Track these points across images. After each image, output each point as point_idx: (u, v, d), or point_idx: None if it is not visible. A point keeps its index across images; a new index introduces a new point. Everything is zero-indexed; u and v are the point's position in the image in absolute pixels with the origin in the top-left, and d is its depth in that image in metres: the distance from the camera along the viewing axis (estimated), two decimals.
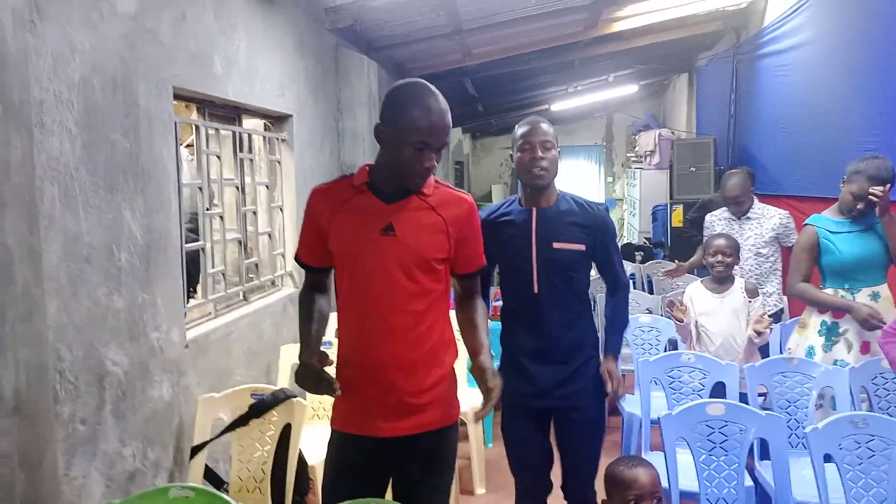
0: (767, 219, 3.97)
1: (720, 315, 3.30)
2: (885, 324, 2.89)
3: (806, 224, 3.18)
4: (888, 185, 2.95)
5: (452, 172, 10.93)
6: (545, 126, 2.32)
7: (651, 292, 5.66)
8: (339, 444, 1.95)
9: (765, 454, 2.72)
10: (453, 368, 2.00)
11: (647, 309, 4.73)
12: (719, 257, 3.33)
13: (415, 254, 1.84)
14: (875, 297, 3.03)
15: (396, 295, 1.84)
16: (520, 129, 2.35)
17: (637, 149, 10.45)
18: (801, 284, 3.13)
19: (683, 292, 4.85)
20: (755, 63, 6.20)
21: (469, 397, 3.83)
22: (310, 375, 1.83)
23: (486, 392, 1.86)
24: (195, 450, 2.57)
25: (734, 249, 3.39)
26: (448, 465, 1.99)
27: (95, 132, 2.11)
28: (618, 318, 2.48)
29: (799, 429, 2.89)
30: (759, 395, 3.02)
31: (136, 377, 2.34)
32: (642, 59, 8.55)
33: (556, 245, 2.31)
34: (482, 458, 3.77)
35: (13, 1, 1.58)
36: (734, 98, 6.89)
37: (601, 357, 2.42)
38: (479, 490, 3.71)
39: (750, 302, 3.31)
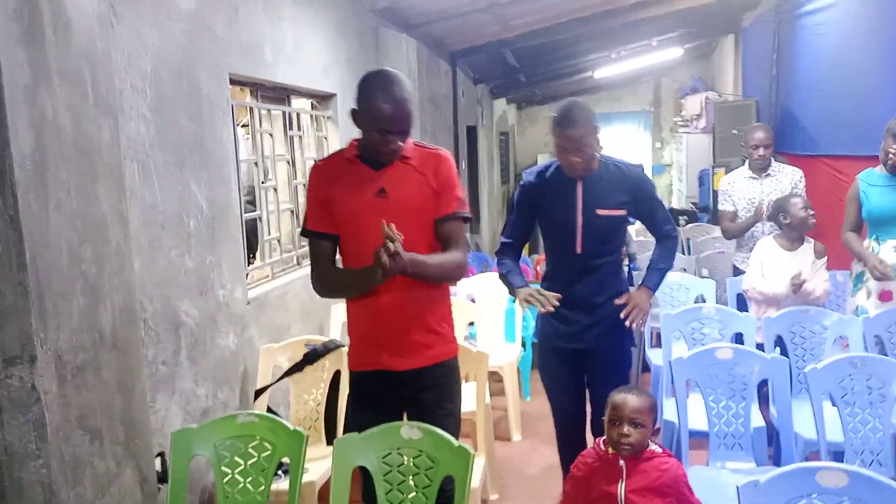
0: (785, 175, 4.01)
1: (790, 270, 3.30)
2: (889, 274, 3.05)
3: (857, 178, 3.33)
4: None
5: (497, 143, 11.07)
6: (579, 130, 2.41)
7: (689, 253, 5.79)
8: (358, 382, 2.26)
9: None
10: (450, 310, 2.29)
11: (683, 269, 4.89)
12: (811, 211, 3.34)
13: (407, 210, 2.10)
14: None
15: None
16: (557, 128, 2.46)
17: (684, 113, 10.39)
18: (847, 234, 3.33)
19: (722, 253, 5.00)
20: (795, 23, 6.17)
21: (504, 352, 4.13)
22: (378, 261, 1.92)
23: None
24: (258, 392, 2.94)
25: (807, 203, 3.43)
26: (456, 391, 2.28)
27: (165, 116, 2.45)
28: (661, 261, 2.67)
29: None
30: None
31: (206, 328, 2.71)
32: (686, 23, 8.45)
33: (599, 212, 2.53)
34: (518, 408, 4.06)
35: (96, 6, 1.90)
36: (776, 59, 6.85)
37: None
38: (516, 437, 4.01)
39: (815, 262, 3.37)
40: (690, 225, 6.99)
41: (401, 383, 2.20)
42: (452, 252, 2.18)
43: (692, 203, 9.20)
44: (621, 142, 13.29)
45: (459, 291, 4.63)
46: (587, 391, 2.70)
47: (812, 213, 3.35)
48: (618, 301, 2.55)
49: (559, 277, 2.63)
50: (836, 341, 3.13)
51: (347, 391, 2.33)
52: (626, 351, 2.69)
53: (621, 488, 1.88)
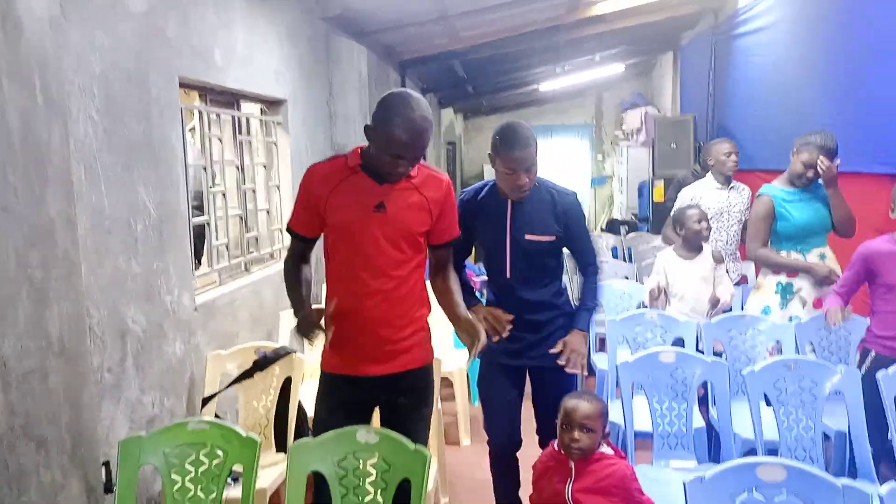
0: (741, 189, 4.23)
1: (690, 280, 3.60)
2: (834, 277, 3.23)
3: (760, 194, 3.48)
4: (836, 160, 3.25)
5: (444, 153, 11.16)
6: (529, 150, 2.36)
7: (631, 261, 5.97)
8: (332, 384, 2.26)
9: None
10: (427, 320, 2.32)
11: (625, 276, 5.04)
12: (704, 223, 3.58)
13: (402, 228, 2.14)
14: (822, 257, 3.37)
15: (384, 262, 2.15)
16: (503, 148, 2.38)
17: (624, 126, 10.73)
18: (762, 250, 3.44)
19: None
20: (731, 43, 6.46)
21: (454, 358, 4.17)
22: (309, 325, 2.13)
23: (472, 336, 2.16)
24: (206, 400, 2.89)
25: (705, 218, 3.65)
26: (429, 396, 2.32)
27: (114, 119, 2.39)
28: (588, 300, 2.61)
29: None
30: (716, 352, 3.32)
31: (153, 335, 2.65)
32: (627, 40, 8.75)
33: (528, 237, 2.48)
34: (467, 413, 4.11)
35: (46, 7, 1.86)
36: (713, 77, 7.14)
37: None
38: (465, 441, 4.05)
39: (716, 268, 3.62)
40: (632, 234, 7.21)
41: (376, 388, 2.22)
42: (452, 273, 2.37)
43: (633, 214, 9.49)
44: (564, 153, 13.60)
45: None
46: (533, 407, 2.66)
47: (706, 225, 3.57)
48: (553, 350, 2.49)
49: (498, 295, 2.62)
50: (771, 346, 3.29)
51: (315, 391, 2.32)
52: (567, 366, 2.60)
53: (569, 488, 1.94)
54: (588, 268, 2.63)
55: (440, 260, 2.35)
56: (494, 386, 2.66)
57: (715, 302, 3.48)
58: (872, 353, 2.79)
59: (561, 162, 13.60)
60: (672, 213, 4.18)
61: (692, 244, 3.60)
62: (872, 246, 2.78)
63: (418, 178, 2.18)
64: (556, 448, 2.03)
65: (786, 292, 3.45)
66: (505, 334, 2.45)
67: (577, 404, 2.00)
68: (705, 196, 4.16)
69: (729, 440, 2.71)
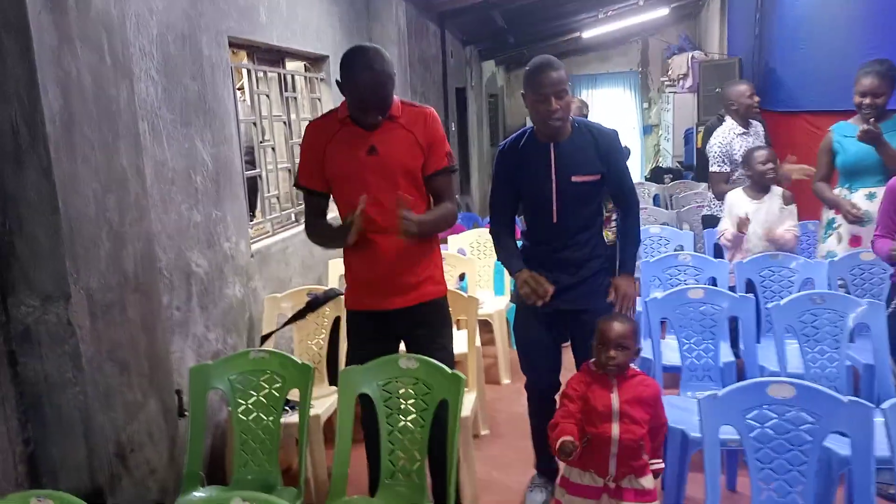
0: (758, 127, 4.21)
1: (758, 218, 3.50)
2: (862, 219, 3.25)
3: (829, 130, 3.51)
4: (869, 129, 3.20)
5: (486, 106, 11.16)
6: (557, 73, 2.34)
7: (671, 209, 5.99)
8: (356, 320, 2.46)
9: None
10: (439, 255, 2.49)
11: (664, 223, 5.10)
12: (770, 165, 3.50)
13: (396, 166, 2.29)
14: (871, 197, 3.35)
15: (386, 201, 2.26)
16: (532, 76, 2.37)
17: (670, 72, 10.49)
18: (817, 183, 3.51)
19: (700, 207, 5.20)
20: None
21: (493, 302, 4.35)
22: (352, 229, 2.21)
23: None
24: (264, 338, 3.14)
25: (775, 157, 3.62)
26: (446, 326, 2.50)
27: (171, 78, 2.60)
28: (630, 238, 2.62)
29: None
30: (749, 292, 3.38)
31: (215, 277, 2.90)
32: None
33: (574, 178, 2.46)
34: (507, 354, 4.29)
35: None
36: (759, 18, 6.96)
37: (617, 272, 2.59)
38: (505, 380, 4.25)
39: (782, 208, 3.56)
40: (673, 182, 7.18)
41: (394, 321, 2.41)
42: (445, 204, 2.42)
43: (678, 162, 9.38)
44: (610, 102, 13.41)
45: (451, 246, 4.84)
46: (572, 350, 2.67)
47: (771, 166, 3.50)
48: (609, 299, 2.51)
49: (539, 242, 2.61)
50: (805, 283, 3.35)
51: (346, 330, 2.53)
52: (609, 309, 2.60)
53: (615, 398, 2.10)
54: (629, 208, 2.62)
55: (435, 191, 2.41)
56: (531, 331, 2.67)
57: (775, 240, 3.45)
58: None
59: (606, 111, 13.44)
60: (715, 168, 4.11)
61: (759, 185, 3.56)
62: None
63: (403, 116, 2.31)
64: (592, 367, 2.19)
65: (829, 227, 3.52)
66: (547, 299, 2.43)
67: (612, 325, 2.13)
68: (733, 143, 4.10)
69: (755, 373, 2.82)
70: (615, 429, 2.07)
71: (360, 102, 2.22)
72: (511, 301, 2.75)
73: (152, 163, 2.47)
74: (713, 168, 4.12)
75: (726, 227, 3.61)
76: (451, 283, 4.08)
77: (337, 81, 2.25)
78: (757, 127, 4.19)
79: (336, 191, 2.38)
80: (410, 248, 2.33)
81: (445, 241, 4.93)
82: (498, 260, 2.69)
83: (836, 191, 3.46)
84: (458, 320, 3.26)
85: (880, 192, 3.35)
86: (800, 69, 5.75)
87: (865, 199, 3.36)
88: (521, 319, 2.71)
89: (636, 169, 12.58)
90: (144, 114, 2.42)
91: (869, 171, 3.34)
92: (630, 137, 13.31)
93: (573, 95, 5.70)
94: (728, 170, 4.07)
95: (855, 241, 3.42)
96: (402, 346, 2.51)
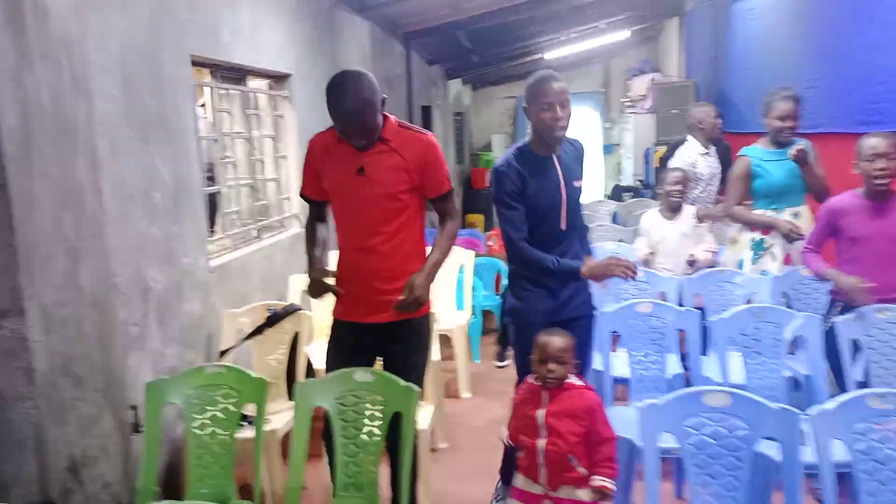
0: (713, 152, 4.42)
1: (674, 238, 3.82)
2: (803, 236, 3.42)
3: (739, 155, 3.66)
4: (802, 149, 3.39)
5: (452, 124, 11.30)
6: (560, 84, 2.49)
7: (627, 226, 6.15)
8: (338, 328, 2.55)
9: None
10: None
11: (620, 239, 5.23)
12: (677, 187, 3.82)
13: (382, 188, 2.38)
14: (796, 216, 3.54)
15: (371, 220, 2.40)
16: (538, 86, 2.48)
17: (631, 94, 10.77)
18: (735, 208, 3.63)
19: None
20: (730, 7, 6.55)
21: (454, 317, 4.42)
22: (315, 285, 2.43)
23: (407, 289, 2.36)
24: (223, 353, 3.16)
25: (687, 180, 3.88)
26: (421, 346, 2.56)
27: (132, 95, 2.63)
28: (588, 245, 2.82)
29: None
30: (697, 307, 3.52)
31: (173, 293, 2.91)
32: (631, 6, 8.81)
33: (575, 184, 2.63)
34: (467, 368, 4.37)
35: None
36: (714, 41, 7.24)
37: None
38: (465, 395, 4.32)
39: (697, 227, 3.83)
40: (631, 200, 7.37)
41: (372, 335, 2.48)
42: (447, 223, 2.55)
43: (638, 180, 9.62)
44: (573, 122, 13.63)
45: None
46: None
47: (678, 188, 3.76)
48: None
49: (551, 252, 2.61)
50: (749, 299, 3.49)
51: (322, 343, 2.63)
52: (593, 314, 2.79)
53: (541, 413, 2.18)
54: (582, 217, 2.79)
55: (439, 212, 2.57)
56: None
57: (692, 261, 3.67)
58: (840, 304, 2.98)
59: (570, 130, 13.66)
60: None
61: (670, 205, 3.81)
62: (836, 202, 2.96)
63: (396, 140, 2.39)
64: (532, 381, 2.26)
65: (758, 248, 3.65)
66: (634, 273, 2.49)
67: (550, 339, 2.21)
68: (699, 162, 4.34)
69: (699, 384, 2.93)
70: (541, 442, 2.15)
71: (341, 127, 2.32)
72: (507, 317, 2.82)
73: (111, 179, 2.49)
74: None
75: (640, 248, 3.85)
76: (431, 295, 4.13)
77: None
78: (713, 150, 4.39)
79: (331, 203, 2.51)
80: (387, 266, 2.42)
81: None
82: (548, 270, 2.59)
83: (760, 212, 3.59)
84: None
85: (802, 210, 3.55)
86: (750, 92, 5.99)
87: (792, 217, 3.53)
88: (521, 332, 2.66)
89: (599, 187, 12.84)
90: (104, 131, 2.45)
91: (793, 191, 3.52)
92: (593, 156, 13.59)
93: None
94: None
95: (787, 259, 3.58)
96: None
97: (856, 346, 2.76)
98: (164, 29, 2.86)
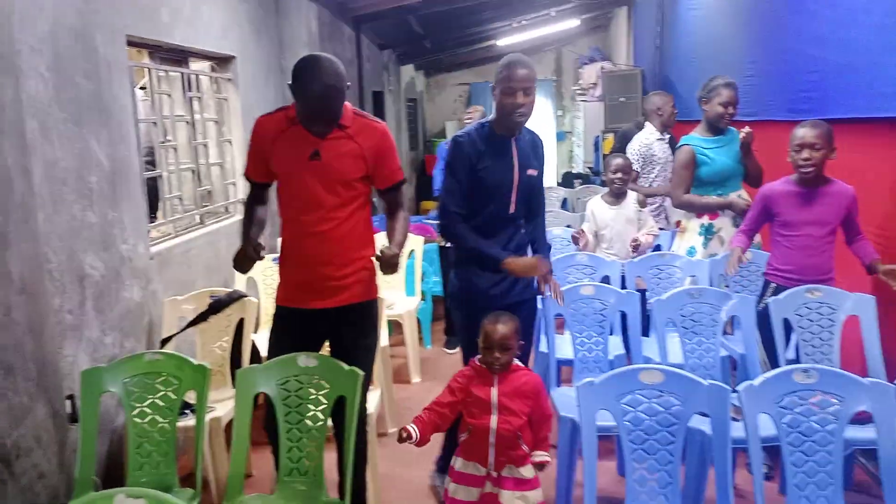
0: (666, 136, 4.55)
1: (616, 223, 3.90)
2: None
3: (680, 145, 3.74)
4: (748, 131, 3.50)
5: (405, 110, 11.25)
6: (526, 70, 2.49)
7: (575, 211, 6.26)
8: (281, 316, 2.52)
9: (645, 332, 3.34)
10: (371, 259, 2.54)
11: (568, 225, 5.32)
12: (619, 174, 3.90)
13: (336, 174, 2.36)
14: (740, 198, 3.65)
15: (322, 205, 2.38)
16: (505, 69, 2.51)
17: (581, 82, 10.89)
18: (685, 196, 3.72)
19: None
20: None
21: (404, 303, 4.43)
22: (242, 257, 2.40)
23: (387, 269, 2.35)
24: (164, 341, 3.10)
25: (629, 168, 3.97)
26: (372, 329, 2.57)
27: (63, 76, 2.54)
28: (544, 240, 2.87)
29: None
30: (640, 290, 3.61)
31: (111, 280, 2.84)
32: None
33: (529, 172, 2.66)
34: (417, 353, 4.39)
35: None
36: (660, 31, 7.37)
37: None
38: (416, 379, 4.34)
39: (640, 211, 3.92)
40: (581, 187, 7.48)
41: (320, 320, 2.46)
42: (401, 214, 2.57)
43: (588, 167, 9.75)
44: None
45: None
46: None
47: (620, 175, 3.87)
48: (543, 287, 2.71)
49: (490, 236, 2.67)
50: (689, 281, 3.59)
51: (268, 329, 2.59)
52: (535, 299, 2.87)
53: (494, 391, 2.22)
54: (539, 209, 2.82)
55: (388, 203, 2.57)
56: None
57: (636, 245, 3.75)
58: (773, 285, 3.09)
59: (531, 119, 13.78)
60: (637, 166, 4.42)
61: (613, 191, 3.89)
62: (771, 187, 3.06)
63: (353, 127, 2.38)
64: (478, 363, 2.29)
65: (707, 233, 3.76)
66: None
67: (496, 327, 2.24)
68: (654, 146, 4.45)
69: (639, 361, 3.01)
70: (493, 420, 2.19)
71: (308, 113, 2.27)
72: (452, 300, 2.84)
73: (42, 162, 2.41)
74: (636, 166, 4.40)
75: (583, 231, 3.94)
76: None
77: (289, 84, 2.28)
78: (668, 136, 4.52)
79: (279, 186, 2.46)
80: (338, 252, 2.41)
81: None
82: (469, 246, 2.64)
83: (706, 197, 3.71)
84: None
85: (743, 193, 3.66)
86: (692, 80, 6.09)
87: (738, 198, 3.65)
88: (467, 313, 2.71)
89: (551, 174, 12.98)
90: (34, 112, 2.36)
91: (735, 176, 3.64)
92: (545, 144, 13.71)
93: (479, 105, 5.93)
94: (638, 170, 4.41)
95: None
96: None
97: (789, 326, 2.87)
98: (98, 8, 2.77)
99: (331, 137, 2.35)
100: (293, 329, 2.49)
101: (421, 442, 2.20)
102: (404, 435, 2.17)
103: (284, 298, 2.52)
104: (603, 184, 7.82)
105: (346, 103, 2.37)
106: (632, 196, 3.95)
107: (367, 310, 2.54)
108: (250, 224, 2.51)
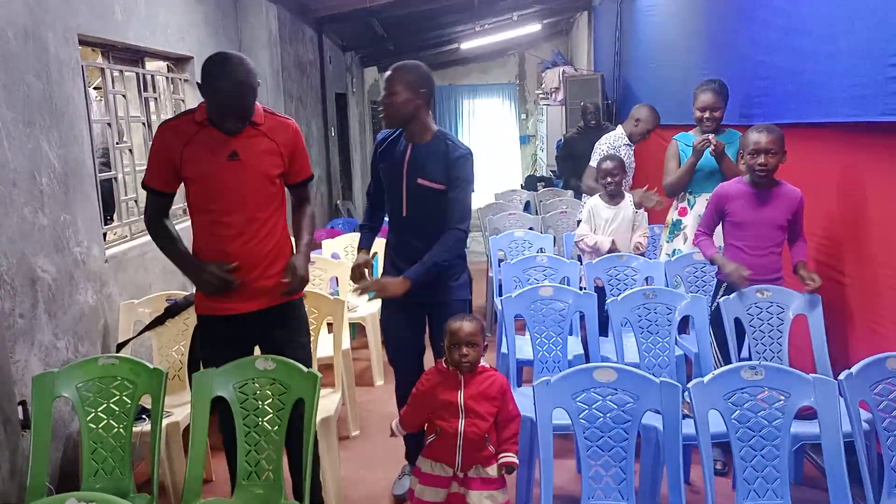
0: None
1: (616, 223, 3.91)
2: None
3: (673, 139, 3.84)
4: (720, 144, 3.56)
5: (369, 112, 11.22)
6: (397, 73, 2.58)
7: (538, 214, 6.32)
8: (209, 326, 2.46)
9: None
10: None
11: (530, 227, 5.36)
12: (608, 179, 3.91)
13: (257, 172, 2.34)
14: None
15: (246, 206, 2.34)
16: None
17: (544, 86, 11.01)
18: (669, 178, 3.78)
19: (564, 213, 5.55)
20: (633, 4, 6.80)
21: (366, 306, 4.42)
22: (214, 280, 2.31)
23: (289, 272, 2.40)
24: (120, 346, 3.05)
25: (621, 168, 3.97)
26: (302, 327, 2.57)
27: (12, 75, 2.48)
28: (430, 254, 2.58)
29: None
30: (598, 289, 3.66)
31: (64, 283, 2.78)
32: None
33: (420, 181, 2.63)
34: (380, 356, 4.37)
35: None
36: (619, 36, 7.50)
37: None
38: (378, 382, 4.33)
39: (636, 213, 3.93)
40: (544, 189, 7.56)
41: (249, 324, 2.43)
42: (306, 207, 2.60)
43: (552, 171, 9.86)
44: (490, 112, 13.87)
45: (325, 250, 4.87)
46: (430, 339, 2.85)
47: (609, 180, 3.88)
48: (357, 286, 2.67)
49: (397, 232, 2.79)
50: (646, 281, 3.66)
51: (198, 333, 2.53)
52: (464, 299, 2.84)
53: (461, 395, 2.23)
54: (450, 226, 2.62)
55: (297, 198, 2.60)
56: (396, 324, 2.87)
57: (636, 247, 3.81)
58: (724, 285, 3.17)
59: (487, 121, 13.90)
60: (594, 164, 4.40)
61: (610, 193, 3.91)
62: (724, 188, 3.14)
63: (266, 125, 2.38)
64: (445, 365, 2.31)
65: (674, 228, 3.84)
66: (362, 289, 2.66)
67: (461, 325, 2.27)
68: (622, 150, 4.47)
69: (598, 362, 3.06)
70: (461, 423, 2.21)
71: (219, 110, 2.25)
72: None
73: None
74: (592, 163, 4.41)
75: (585, 233, 3.91)
76: (324, 286, 4.11)
77: (198, 83, 2.26)
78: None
79: (191, 193, 2.37)
80: (263, 252, 2.39)
81: (320, 246, 4.95)
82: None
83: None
84: (328, 323, 3.30)
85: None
86: (650, 85, 6.25)
87: (706, 203, 3.73)
88: (386, 314, 2.90)
89: (515, 177, 13.08)
90: None
91: (709, 178, 3.71)
92: (510, 147, 13.84)
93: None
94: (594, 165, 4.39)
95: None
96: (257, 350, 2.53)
97: (741, 324, 2.95)
98: (49, 6, 2.72)
99: (246, 136, 2.33)
100: (222, 337, 2.44)
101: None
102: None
103: (208, 307, 2.43)
104: (563, 187, 7.95)
105: (257, 103, 2.36)
106: (628, 197, 3.96)
107: (296, 307, 2.54)
108: (178, 242, 2.41)
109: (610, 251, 3.79)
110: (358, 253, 2.85)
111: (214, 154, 2.30)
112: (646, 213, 4.05)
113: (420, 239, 2.68)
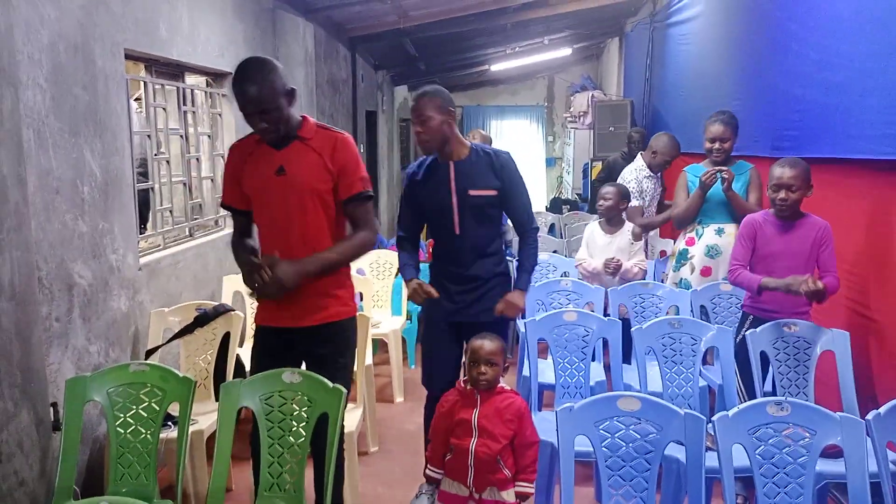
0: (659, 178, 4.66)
1: (608, 251, 3.95)
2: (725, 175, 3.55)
3: (683, 170, 3.86)
4: (730, 175, 3.57)
5: (398, 130, 11.34)
6: (423, 101, 2.66)
7: (562, 237, 6.32)
8: (261, 335, 2.53)
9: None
10: (348, 276, 2.57)
11: (554, 250, 5.38)
12: (600, 202, 3.96)
13: (304, 187, 2.36)
14: (720, 232, 3.73)
15: (292, 221, 2.38)
16: (412, 101, 2.74)
17: (572, 109, 11.05)
18: (678, 209, 3.81)
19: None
20: (665, 31, 6.82)
21: (390, 322, 4.45)
22: (251, 270, 2.31)
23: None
24: (149, 352, 3.11)
25: (619, 194, 4.00)
26: (348, 347, 2.58)
27: (61, 87, 2.58)
28: (527, 260, 2.87)
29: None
30: (623, 318, 3.66)
31: (99, 289, 2.86)
32: (573, 24, 9.06)
33: (471, 192, 2.73)
34: (401, 372, 4.40)
35: None
36: (649, 63, 7.52)
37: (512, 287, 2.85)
38: (399, 398, 4.35)
39: (633, 243, 3.96)
40: (568, 213, 7.56)
41: (298, 339, 2.47)
42: (359, 232, 2.45)
43: (577, 194, 9.87)
44: (517, 133, 13.93)
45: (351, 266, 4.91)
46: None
47: (610, 205, 3.91)
48: (497, 309, 2.77)
49: (444, 257, 2.85)
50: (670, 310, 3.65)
51: (251, 346, 2.58)
52: (504, 323, 2.90)
53: (475, 415, 2.25)
54: (526, 229, 2.86)
55: (350, 218, 2.50)
56: (438, 341, 2.89)
57: (614, 266, 3.80)
58: (751, 317, 3.15)
59: (513, 142, 13.96)
60: (634, 203, 4.44)
61: (609, 219, 3.94)
62: (752, 218, 3.12)
63: (315, 139, 2.39)
64: (463, 384, 2.33)
65: (681, 258, 3.85)
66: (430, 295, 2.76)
67: (482, 343, 2.29)
68: (644, 182, 4.51)
69: (619, 388, 3.05)
70: (472, 442, 2.22)
71: (242, 110, 2.28)
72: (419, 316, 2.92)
73: (36, 171, 2.44)
74: (632, 203, 4.34)
75: (584, 258, 3.94)
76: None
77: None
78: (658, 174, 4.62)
79: (254, 208, 2.45)
80: None
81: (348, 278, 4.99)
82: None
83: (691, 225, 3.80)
84: None
85: (727, 227, 3.73)
86: (680, 113, 6.25)
87: (715, 234, 3.73)
88: (426, 331, 2.94)
89: (539, 199, 13.09)
90: (30, 122, 2.40)
91: (718, 209, 3.72)
92: (535, 168, 13.87)
93: (480, 129, 6.02)
94: (640, 204, 4.44)
95: (706, 271, 3.77)
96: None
97: (766, 358, 2.93)
98: (98, 21, 2.82)
99: (293, 150, 2.36)
100: (270, 348, 2.50)
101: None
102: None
103: (265, 318, 2.52)
104: (591, 211, 7.96)
105: (311, 119, 2.40)
106: (628, 226, 3.99)
107: (343, 327, 2.54)
108: (244, 251, 2.46)
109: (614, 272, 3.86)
110: (409, 282, 2.87)
111: (264, 169, 2.36)
112: (642, 244, 4.07)
113: (471, 253, 2.79)
